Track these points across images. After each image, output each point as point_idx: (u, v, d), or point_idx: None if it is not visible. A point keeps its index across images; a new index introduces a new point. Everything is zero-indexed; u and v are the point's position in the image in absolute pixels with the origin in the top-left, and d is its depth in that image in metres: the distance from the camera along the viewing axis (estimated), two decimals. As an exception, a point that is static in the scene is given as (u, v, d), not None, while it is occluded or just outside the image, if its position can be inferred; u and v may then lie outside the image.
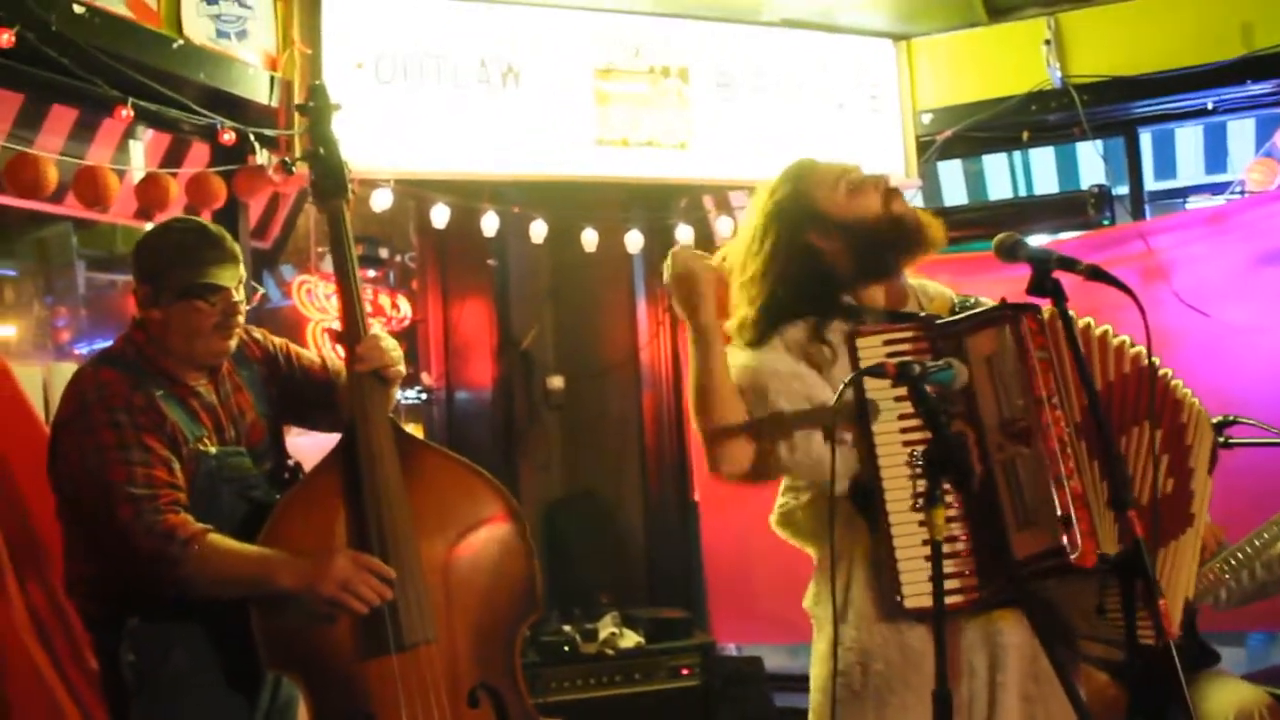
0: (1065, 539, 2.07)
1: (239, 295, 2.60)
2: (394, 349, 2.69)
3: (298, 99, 2.80)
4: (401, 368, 2.70)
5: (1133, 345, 2.32)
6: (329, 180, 2.77)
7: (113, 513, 2.40)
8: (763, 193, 2.42)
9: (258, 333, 2.81)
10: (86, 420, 2.46)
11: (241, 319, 2.63)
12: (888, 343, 2.24)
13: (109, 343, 2.73)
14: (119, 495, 2.39)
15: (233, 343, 2.63)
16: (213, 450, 2.56)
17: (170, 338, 2.56)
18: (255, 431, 2.69)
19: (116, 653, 2.50)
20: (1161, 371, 2.31)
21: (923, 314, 2.33)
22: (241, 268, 2.63)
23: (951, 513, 2.11)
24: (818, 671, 2.30)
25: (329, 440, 2.73)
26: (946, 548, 2.05)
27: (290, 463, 2.77)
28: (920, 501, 1.94)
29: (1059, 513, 2.08)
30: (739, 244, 2.42)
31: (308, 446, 2.83)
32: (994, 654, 2.18)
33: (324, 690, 2.50)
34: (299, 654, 2.50)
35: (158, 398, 2.51)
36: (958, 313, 2.35)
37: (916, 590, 2.13)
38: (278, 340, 2.84)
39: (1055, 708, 2.14)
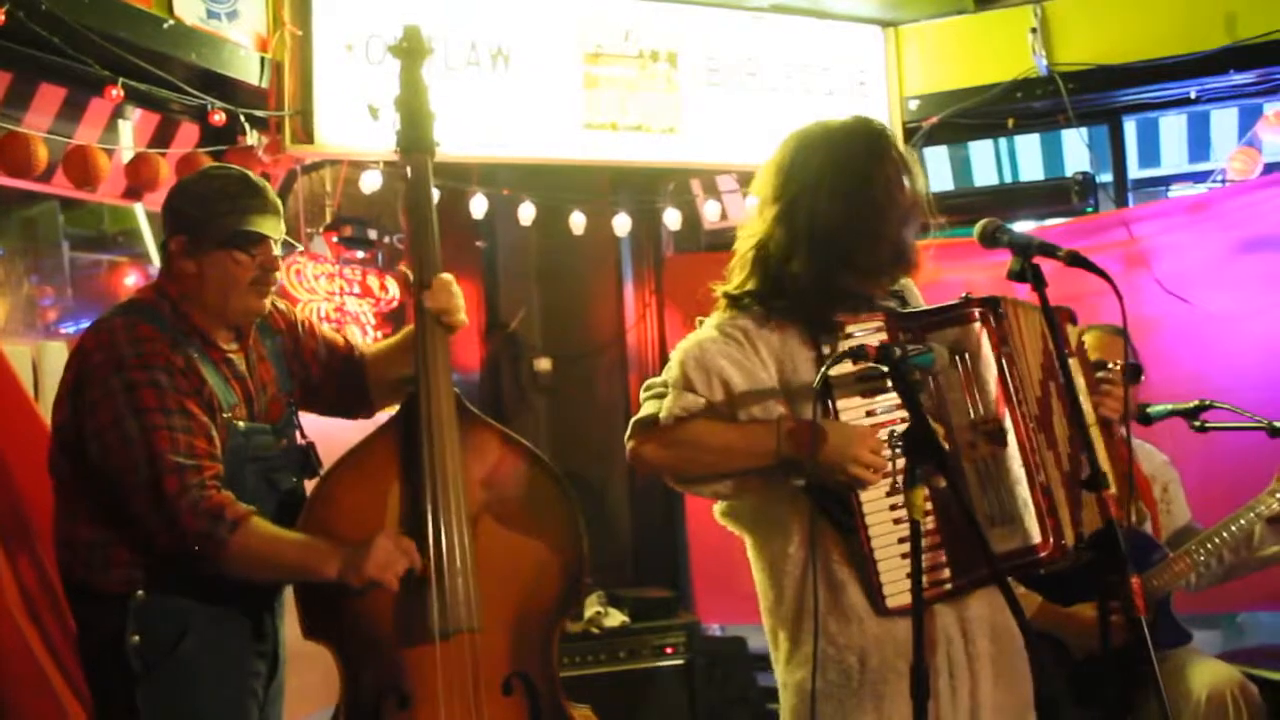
0: (1038, 539, 2.12)
1: (277, 250, 2.46)
2: (459, 295, 2.56)
3: (391, 43, 2.65)
4: (464, 316, 2.58)
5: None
6: (416, 130, 2.59)
7: (156, 483, 2.24)
8: (836, 144, 2.27)
9: (281, 303, 2.68)
10: (124, 378, 2.27)
11: (279, 277, 2.51)
12: (850, 336, 2.20)
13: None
14: (164, 465, 2.24)
15: (267, 302, 2.49)
16: (242, 426, 2.42)
17: (204, 291, 2.40)
18: (275, 407, 2.56)
19: (114, 630, 2.33)
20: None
21: (886, 305, 2.30)
22: (282, 221, 2.48)
23: (925, 506, 2.11)
24: (800, 675, 2.25)
25: (338, 426, 2.67)
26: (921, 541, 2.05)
27: (302, 443, 2.63)
28: (899, 483, 1.97)
29: (1031, 513, 2.12)
30: (780, 171, 2.29)
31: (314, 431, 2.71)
32: (965, 628, 2.22)
33: (360, 664, 2.45)
34: (340, 628, 2.44)
35: (195, 359, 2.36)
36: (903, 303, 2.34)
37: (897, 589, 2.15)
38: (299, 313, 2.73)
39: (1016, 661, 2.24)
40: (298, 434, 2.63)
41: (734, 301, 2.31)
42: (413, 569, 2.38)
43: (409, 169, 2.61)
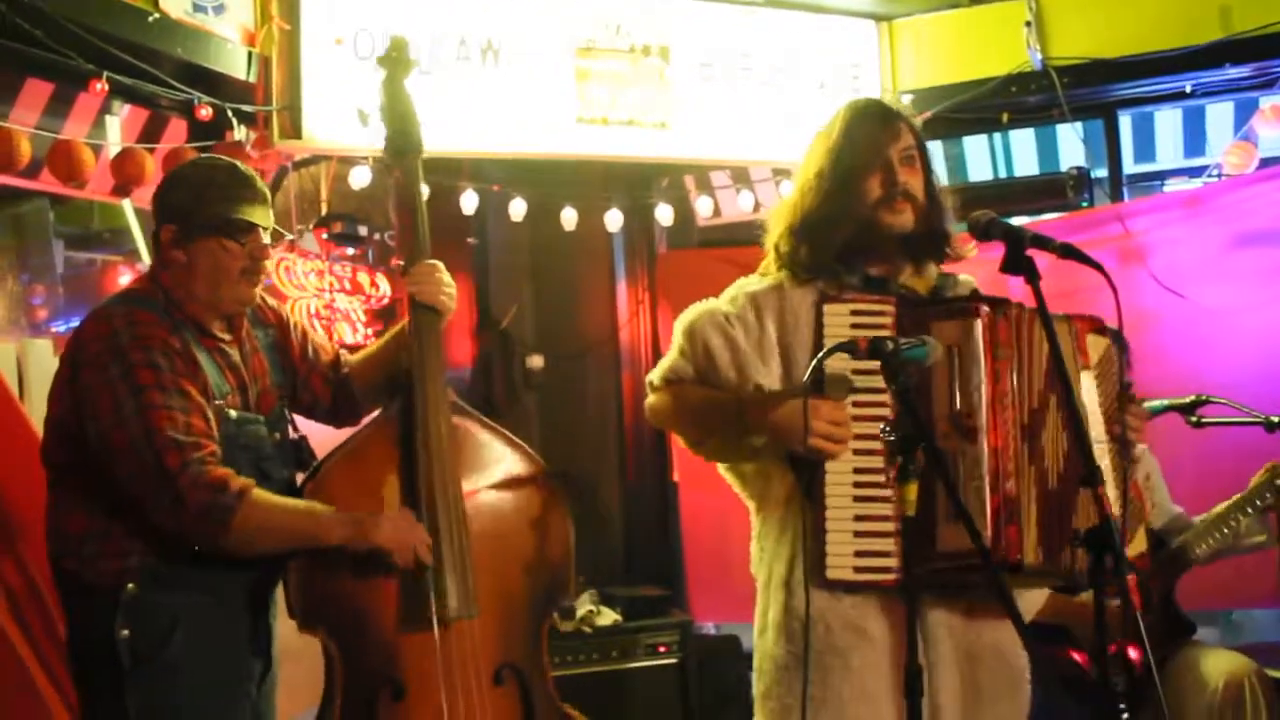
0: (990, 541, 2.09)
1: (267, 239, 2.50)
2: (445, 282, 2.67)
3: (380, 54, 2.80)
4: (446, 299, 2.67)
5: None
6: (403, 139, 2.72)
7: (158, 460, 2.27)
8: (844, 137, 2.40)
9: (271, 300, 2.72)
10: (122, 362, 2.31)
11: (270, 265, 2.57)
12: (855, 313, 2.25)
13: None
14: (164, 442, 2.27)
15: (258, 291, 2.53)
16: (234, 415, 2.45)
17: (194, 281, 2.44)
18: (266, 399, 2.57)
19: (104, 624, 2.33)
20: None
21: (898, 288, 2.32)
22: (271, 212, 2.53)
23: (885, 492, 2.13)
24: (765, 639, 2.33)
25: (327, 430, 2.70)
26: (875, 525, 2.14)
27: (294, 437, 2.65)
28: (891, 475, 1.95)
29: (988, 518, 2.10)
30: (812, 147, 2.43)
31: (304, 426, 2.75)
32: (925, 632, 2.21)
33: (358, 654, 2.47)
34: (338, 617, 2.47)
35: (190, 345, 2.40)
36: (937, 292, 2.36)
37: (840, 562, 2.19)
38: (291, 314, 2.78)
39: (995, 681, 2.22)
40: (290, 428, 2.65)
41: (773, 251, 2.42)
42: (424, 549, 2.45)
43: (400, 175, 2.75)
